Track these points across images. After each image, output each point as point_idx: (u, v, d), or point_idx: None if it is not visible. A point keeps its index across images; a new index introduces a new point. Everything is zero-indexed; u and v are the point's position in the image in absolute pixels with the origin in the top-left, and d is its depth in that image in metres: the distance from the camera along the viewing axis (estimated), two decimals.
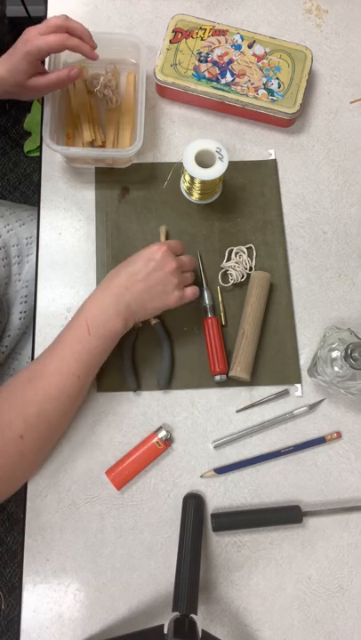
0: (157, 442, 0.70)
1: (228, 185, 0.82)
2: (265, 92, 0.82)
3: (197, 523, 0.67)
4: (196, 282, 0.78)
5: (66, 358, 0.65)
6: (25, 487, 0.70)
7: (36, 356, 0.75)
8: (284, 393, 0.75)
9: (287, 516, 0.69)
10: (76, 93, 0.83)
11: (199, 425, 0.73)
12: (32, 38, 0.69)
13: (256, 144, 0.85)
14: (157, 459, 0.71)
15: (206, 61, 0.83)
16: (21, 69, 0.70)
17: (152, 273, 0.67)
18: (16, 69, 0.71)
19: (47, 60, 0.78)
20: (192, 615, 0.61)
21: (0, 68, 0.72)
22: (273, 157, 0.85)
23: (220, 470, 0.71)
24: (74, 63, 0.83)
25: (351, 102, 0.88)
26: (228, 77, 0.83)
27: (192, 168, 0.73)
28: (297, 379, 0.75)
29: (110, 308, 0.66)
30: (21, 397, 0.64)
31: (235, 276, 0.77)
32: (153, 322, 0.75)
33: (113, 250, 0.79)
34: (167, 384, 0.74)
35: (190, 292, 0.71)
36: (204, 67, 0.83)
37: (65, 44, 0.69)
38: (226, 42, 0.84)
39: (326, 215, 0.82)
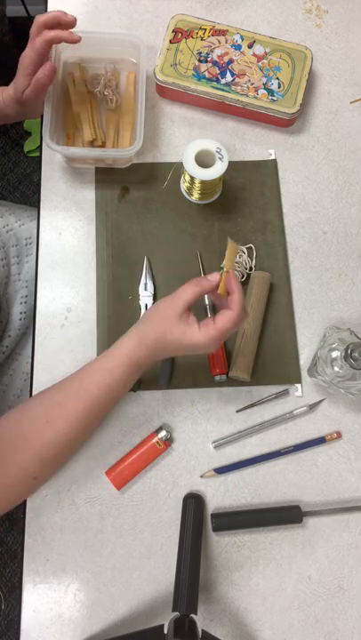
0: (157, 442, 0.70)
1: (228, 185, 0.82)
2: (265, 92, 0.82)
3: (197, 523, 0.67)
4: None
5: (95, 409, 0.63)
6: None
7: (36, 359, 0.75)
8: (284, 393, 0.75)
9: (287, 516, 0.69)
10: (76, 93, 0.83)
11: (199, 425, 0.73)
12: (24, 54, 0.73)
13: (256, 144, 0.85)
14: (157, 459, 0.71)
15: (206, 61, 0.83)
16: (22, 85, 0.73)
17: (195, 351, 0.64)
18: (19, 87, 0.73)
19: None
20: (192, 615, 0.61)
21: (9, 88, 0.76)
22: (273, 157, 0.84)
23: (220, 470, 0.71)
24: (74, 63, 0.84)
25: (351, 102, 0.88)
26: (228, 77, 0.83)
27: (192, 168, 0.73)
28: (297, 379, 0.75)
29: (141, 368, 0.65)
30: (40, 439, 0.61)
31: None
32: None
33: (113, 250, 0.79)
34: (167, 384, 0.74)
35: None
36: (204, 67, 0.83)
37: (45, 39, 0.71)
38: (226, 42, 0.84)
39: (326, 215, 0.82)
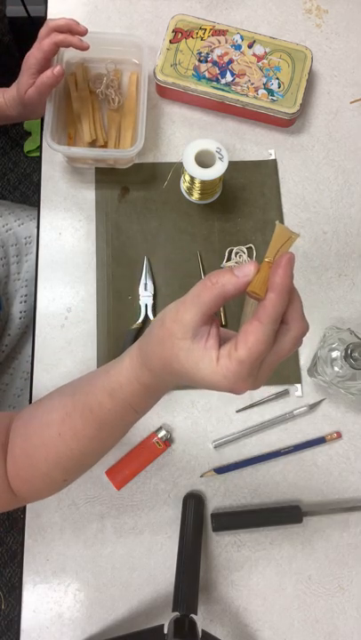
0: (157, 442, 0.70)
1: (228, 185, 0.82)
2: (265, 92, 0.82)
3: (197, 523, 0.67)
4: (196, 282, 0.78)
5: (105, 430, 0.52)
6: None
7: (36, 358, 0.74)
8: (284, 393, 0.75)
9: (287, 515, 0.69)
10: (77, 93, 0.83)
11: (199, 425, 0.73)
12: (30, 54, 0.73)
13: (256, 144, 0.85)
14: (157, 459, 0.71)
15: (206, 61, 0.83)
16: (26, 84, 0.73)
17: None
18: (22, 86, 0.73)
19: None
20: (192, 615, 0.61)
21: (12, 89, 0.76)
22: (273, 157, 0.84)
23: (220, 470, 0.71)
24: (76, 63, 0.84)
25: (351, 102, 0.88)
26: (228, 77, 0.83)
27: (192, 168, 0.73)
28: (297, 379, 0.75)
29: (156, 391, 0.50)
30: (56, 450, 0.54)
31: None
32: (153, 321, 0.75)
33: (113, 250, 0.79)
34: None
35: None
36: (204, 67, 0.83)
37: (54, 41, 0.72)
38: (226, 42, 0.84)
39: (326, 215, 0.82)
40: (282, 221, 0.81)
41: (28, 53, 0.73)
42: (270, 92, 0.82)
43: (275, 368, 0.45)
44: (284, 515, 0.70)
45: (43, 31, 0.73)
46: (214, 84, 0.82)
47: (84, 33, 0.73)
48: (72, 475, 0.57)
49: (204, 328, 0.42)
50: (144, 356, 0.46)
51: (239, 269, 0.40)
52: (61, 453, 0.54)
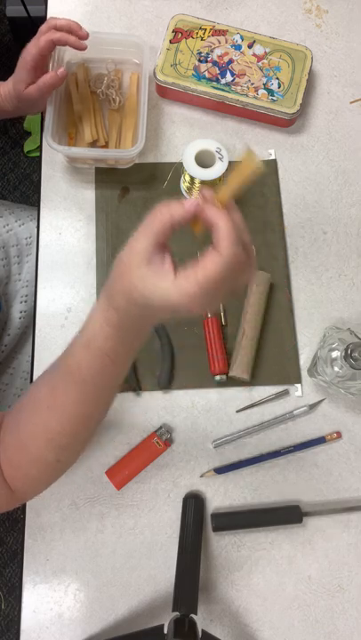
0: (157, 442, 0.70)
1: None
2: (265, 92, 0.82)
3: (197, 523, 0.67)
4: None
5: (88, 389, 0.53)
6: None
7: (36, 358, 0.74)
8: (284, 393, 0.75)
9: (287, 515, 0.69)
10: (78, 93, 0.83)
11: (199, 425, 0.73)
12: (26, 48, 0.72)
13: (256, 144, 0.85)
14: (157, 459, 0.71)
15: (206, 61, 0.83)
16: (22, 79, 0.73)
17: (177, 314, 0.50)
18: (18, 81, 0.73)
19: (50, 65, 0.77)
20: (192, 615, 0.61)
21: (8, 83, 0.75)
22: (273, 157, 0.84)
23: (220, 470, 0.71)
24: (77, 63, 0.84)
25: (351, 102, 0.88)
26: (228, 77, 0.83)
27: (192, 168, 0.73)
28: (297, 379, 0.75)
29: (127, 333, 0.50)
30: (46, 427, 0.54)
31: None
32: None
33: (113, 250, 0.79)
34: (167, 384, 0.74)
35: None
36: (204, 67, 0.83)
37: (52, 39, 0.71)
38: (226, 42, 0.84)
39: (326, 215, 0.82)
40: (282, 221, 0.81)
41: (24, 48, 0.73)
42: (270, 92, 0.82)
43: (228, 291, 0.48)
44: (284, 515, 0.70)
45: (43, 27, 0.73)
46: (214, 83, 0.82)
47: (84, 37, 0.73)
48: (64, 454, 0.56)
49: (158, 256, 0.45)
50: (109, 297, 0.48)
51: (187, 202, 0.46)
52: (51, 429, 0.54)
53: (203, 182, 0.75)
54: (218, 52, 0.84)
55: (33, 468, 0.55)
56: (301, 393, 0.75)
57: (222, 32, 0.85)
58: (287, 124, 0.85)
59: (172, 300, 0.44)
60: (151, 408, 0.74)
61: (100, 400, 0.55)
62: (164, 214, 0.45)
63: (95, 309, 0.50)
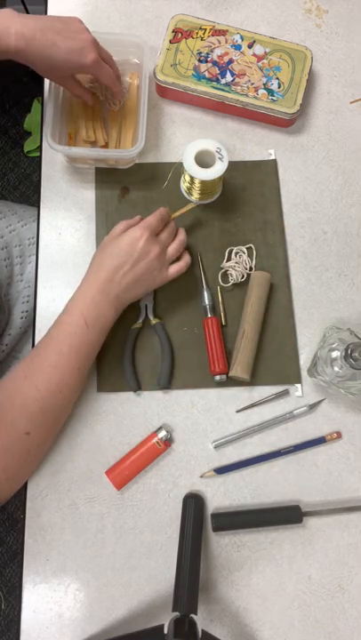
0: (157, 442, 0.70)
1: (228, 185, 0.82)
2: (265, 91, 0.82)
3: (197, 523, 0.67)
4: (196, 282, 0.78)
5: (64, 352, 0.65)
6: (25, 487, 0.70)
7: None
8: (284, 393, 0.75)
9: (287, 516, 0.69)
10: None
11: (199, 425, 0.73)
12: (93, 55, 0.70)
13: (256, 144, 0.85)
14: (157, 459, 0.71)
15: (206, 61, 0.83)
16: (60, 60, 0.69)
17: (137, 263, 0.69)
18: (50, 47, 0.67)
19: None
20: (192, 615, 0.61)
21: (27, 25, 0.66)
22: (273, 157, 0.84)
23: (220, 470, 0.71)
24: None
25: (351, 102, 0.88)
26: (228, 77, 0.83)
27: (192, 168, 0.73)
28: (297, 379, 0.75)
29: (102, 303, 0.68)
30: (21, 395, 0.64)
31: (235, 276, 0.77)
32: (153, 322, 0.75)
33: None
34: (167, 384, 0.74)
35: (174, 270, 0.73)
36: (204, 67, 0.83)
37: (106, 81, 0.76)
38: (226, 42, 0.84)
39: (326, 215, 0.82)
40: (282, 221, 0.81)
41: (92, 47, 0.70)
42: (270, 92, 0.82)
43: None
44: (284, 515, 0.70)
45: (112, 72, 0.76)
46: (214, 83, 0.82)
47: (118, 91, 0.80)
48: (36, 426, 0.63)
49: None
50: (94, 284, 0.68)
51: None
52: (27, 395, 0.63)
53: (203, 182, 0.75)
54: (218, 52, 0.84)
55: (4, 433, 0.61)
56: (301, 393, 0.75)
57: (222, 32, 0.85)
58: (287, 123, 0.85)
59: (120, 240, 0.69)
60: (151, 408, 0.74)
61: (72, 365, 0.65)
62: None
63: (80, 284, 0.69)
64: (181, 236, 0.75)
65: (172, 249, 0.73)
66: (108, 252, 0.70)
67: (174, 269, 0.73)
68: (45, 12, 0.90)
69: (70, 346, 0.65)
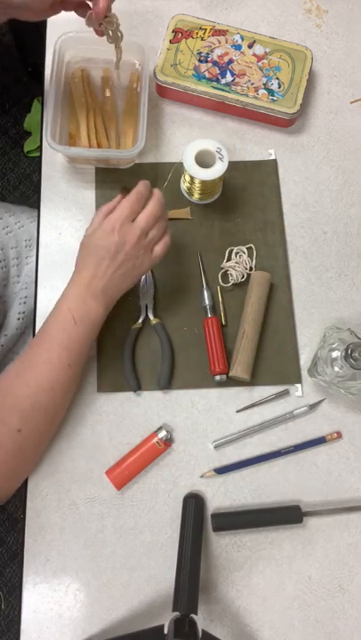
0: (157, 442, 0.70)
1: (228, 185, 0.82)
2: (265, 91, 0.82)
3: (197, 523, 0.67)
4: (196, 282, 0.78)
5: (54, 349, 0.65)
6: (25, 487, 0.70)
7: None
8: (285, 393, 0.75)
9: (287, 516, 0.69)
10: (78, 93, 0.82)
11: (199, 425, 0.73)
12: None
13: (256, 144, 0.85)
14: (157, 459, 0.71)
15: (206, 61, 0.83)
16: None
17: (117, 254, 0.66)
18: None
19: (51, 61, 0.77)
20: (192, 615, 0.61)
21: None
22: (273, 157, 0.84)
23: (221, 470, 0.71)
24: (77, 63, 0.83)
25: (351, 102, 0.88)
26: (228, 77, 0.83)
27: (192, 168, 0.73)
28: (297, 379, 0.75)
29: (89, 299, 0.67)
30: (12, 392, 0.64)
31: (235, 275, 0.77)
32: (153, 322, 0.75)
33: None
34: (167, 384, 0.74)
35: (160, 250, 0.69)
36: (204, 67, 0.83)
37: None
38: (226, 42, 0.84)
39: (326, 215, 0.82)
40: (282, 221, 0.81)
41: None
42: (270, 92, 0.82)
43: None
44: (284, 515, 0.70)
45: None
46: (214, 83, 0.82)
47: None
48: (27, 423, 0.63)
49: None
50: (78, 283, 0.68)
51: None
52: (18, 392, 0.64)
53: (203, 182, 0.75)
54: (218, 51, 0.84)
55: None
56: (302, 393, 0.75)
57: (222, 32, 0.85)
58: (287, 123, 0.85)
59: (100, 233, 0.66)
60: (151, 408, 0.74)
61: (63, 361, 0.65)
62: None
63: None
64: (155, 209, 0.68)
65: (156, 229, 0.68)
66: (86, 249, 0.68)
67: (160, 248, 0.69)
68: None
69: (60, 342, 0.65)
